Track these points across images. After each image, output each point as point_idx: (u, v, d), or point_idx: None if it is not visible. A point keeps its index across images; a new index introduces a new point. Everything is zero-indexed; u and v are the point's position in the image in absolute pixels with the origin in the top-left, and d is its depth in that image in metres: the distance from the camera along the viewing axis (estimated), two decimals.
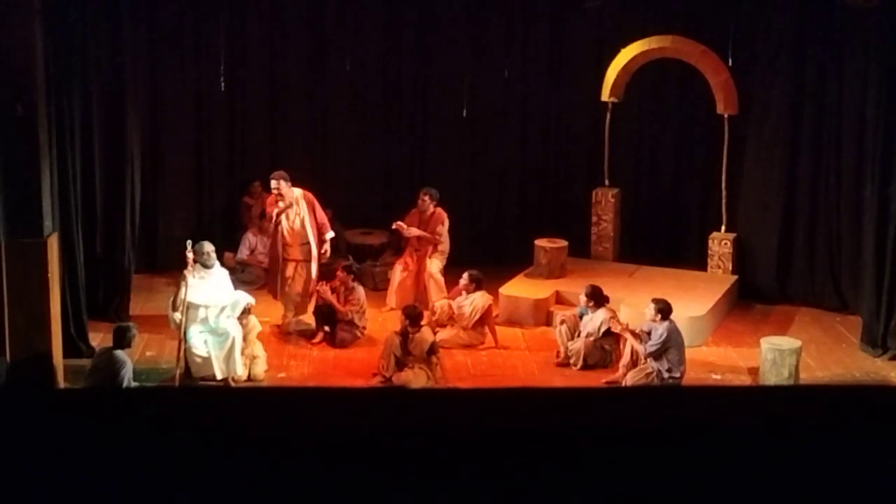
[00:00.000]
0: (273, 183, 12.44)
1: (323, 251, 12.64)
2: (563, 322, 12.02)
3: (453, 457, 2.48)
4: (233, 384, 11.16)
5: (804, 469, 2.50)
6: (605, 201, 14.43)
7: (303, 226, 12.47)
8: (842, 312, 13.48)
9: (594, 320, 11.81)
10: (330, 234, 12.71)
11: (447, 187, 14.05)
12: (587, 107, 14.68)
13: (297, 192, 12.57)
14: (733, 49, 13.52)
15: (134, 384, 10.50)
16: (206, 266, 11.38)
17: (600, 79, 14.01)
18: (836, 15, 12.93)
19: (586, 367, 11.74)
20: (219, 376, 11.17)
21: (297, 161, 15.31)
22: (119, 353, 10.42)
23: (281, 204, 12.38)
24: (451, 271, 13.17)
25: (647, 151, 15.10)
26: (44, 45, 10.59)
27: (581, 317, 11.99)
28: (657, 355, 11.10)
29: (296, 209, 12.48)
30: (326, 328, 12.37)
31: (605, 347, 11.82)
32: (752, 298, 13.80)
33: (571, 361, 11.84)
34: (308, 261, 12.53)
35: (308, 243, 12.50)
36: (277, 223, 12.48)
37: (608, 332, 11.74)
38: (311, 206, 12.57)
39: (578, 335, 11.90)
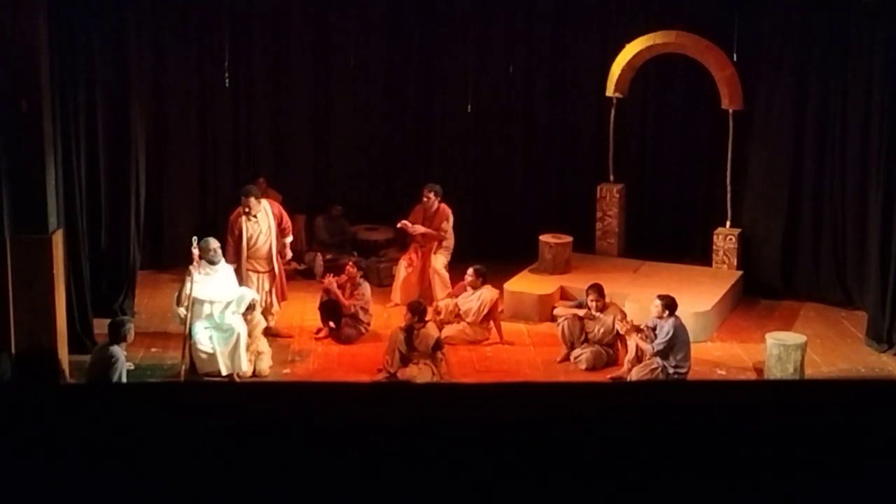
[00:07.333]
0: (243, 199, 12.22)
1: (286, 258, 12.55)
2: (564, 318, 11.97)
3: (458, 452, 2.48)
4: (238, 380, 11.18)
5: (809, 464, 2.50)
6: (610, 197, 14.43)
7: (268, 242, 12.25)
8: (847, 308, 13.47)
9: (604, 322, 11.76)
10: (289, 239, 12.50)
11: (452, 183, 14.06)
12: (592, 102, 14.66)
13: (265, 203, 12.42)
14: (738, 44, 13.51)
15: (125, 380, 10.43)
16: (211, 262, 11.38)
17: (605, 74, 14.00)
18: (840, 10, 12.92)
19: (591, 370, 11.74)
20: (224, 372, 11.19)
21: (301, 157, 15.36)
22: (114, 348, 10.35)
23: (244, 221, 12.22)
24: (456, 267, 13.17)
25: (652, 147, 15.09)
26: (49, 42, 10.60)
27: (580, 308, 11.94)
28: (664, 353, 11.08)
29: (264, 223, 12.26)
30: (331, 324, 12.38)
31: (610, 352, 11.80)
32: (757, 294, 13.78)
33: (574, 362, 11.83)
34: (270, 270, 12.32)
35: (269, 256, 12.29)
36: (240, 234, 12.26)
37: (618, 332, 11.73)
38: (278, 218, 12.40)
39: (585, 336, 11.85)
